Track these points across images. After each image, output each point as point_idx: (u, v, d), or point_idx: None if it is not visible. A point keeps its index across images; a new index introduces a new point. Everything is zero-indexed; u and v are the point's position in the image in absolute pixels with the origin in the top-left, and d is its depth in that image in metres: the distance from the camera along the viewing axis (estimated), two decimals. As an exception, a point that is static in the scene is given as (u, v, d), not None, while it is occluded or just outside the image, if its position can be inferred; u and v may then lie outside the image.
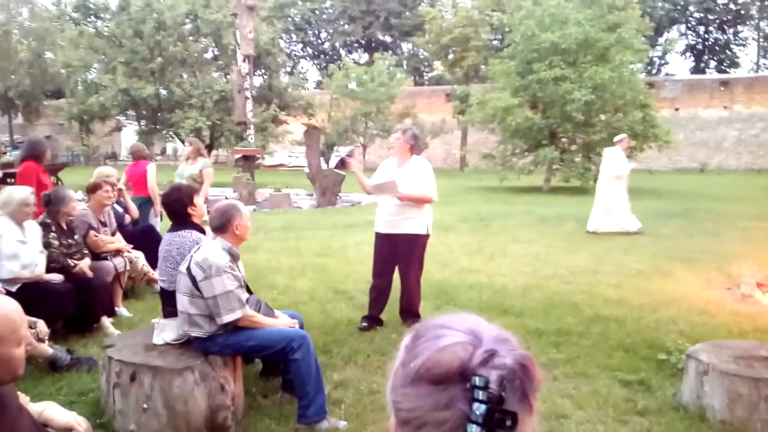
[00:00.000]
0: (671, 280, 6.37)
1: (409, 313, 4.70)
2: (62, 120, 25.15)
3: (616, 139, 10.04)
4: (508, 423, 0.63)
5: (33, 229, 4.28)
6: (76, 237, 4.77)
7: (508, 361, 0.67)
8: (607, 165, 9.75)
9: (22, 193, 4.17)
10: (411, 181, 4.49)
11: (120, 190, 6.01)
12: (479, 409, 0.63)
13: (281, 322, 3.30)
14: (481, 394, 0.64)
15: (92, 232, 4.97)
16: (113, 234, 5.29)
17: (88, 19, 23.06)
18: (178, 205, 3.65)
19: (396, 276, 4.78)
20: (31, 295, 3.82)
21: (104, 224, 5.19)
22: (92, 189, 5.11)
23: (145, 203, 6.63)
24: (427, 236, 4.65)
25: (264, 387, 3.55)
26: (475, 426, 0.63)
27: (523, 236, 9.39)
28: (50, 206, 4.61)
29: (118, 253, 5.16)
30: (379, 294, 4.73)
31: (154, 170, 6.82)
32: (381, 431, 3.01)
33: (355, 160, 4.94)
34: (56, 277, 4.23)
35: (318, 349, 3.55)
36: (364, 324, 4.64)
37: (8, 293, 3.82)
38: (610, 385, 3.59)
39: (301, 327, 3.44)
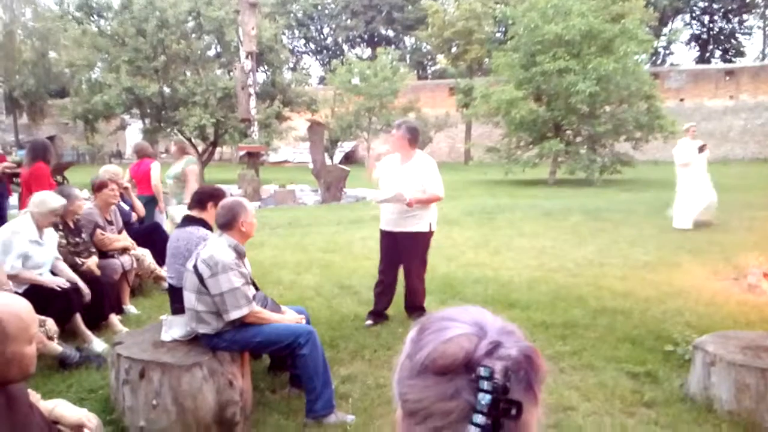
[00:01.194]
0: (678, 271, 6.35)
1: (414, 307, 4.71)
2: (67, 119, 25.17)
3: (684, 127, 9.64)
4: (513, 412, 0.64)
5: (50, 234, 4.33)
6: (83, 236, 4.80)
7: (512, 352, 0.68)
8: (675, 156, 9.31)
9: (57, 202, 4.23)
10: (416, 178, 4.43)
11: (126, 188, 6.03)
12: (484, 398, 0.64)
13: (288, 318, 3.31)
14: (486, 385, 0.64)
15: (99, 231, 4.99)
16: (119, 232, 5.32)
17: (91, 18, 23.04)
18: (204, 196, 3.73)
19: (401, 271, 4.78)
20: (37, 296, 3.85)
21: (110, 223, 5.21)
22: (98, 188, 5.13)
23: (150, 202, 6.65)
24: (430, 234, 4.61)
25: (272, 382, 3.57)
26: (480, 415, 0.64)
27: (529, 229, 9.37)
28: None
29: (125, 251, 5.19)
30: (384, 289, 4.74)
31: (158, 169, 6.82)
32: (388, 425, 3.02)
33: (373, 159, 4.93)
34: (57, 282, 4.19)
35: (325, 344, 3.56)
36: (370, 321, 4.65)
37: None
38: (616, 377, 3.59)
39: (308, 322, 3.45)
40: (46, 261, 4.19)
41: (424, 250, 4.66)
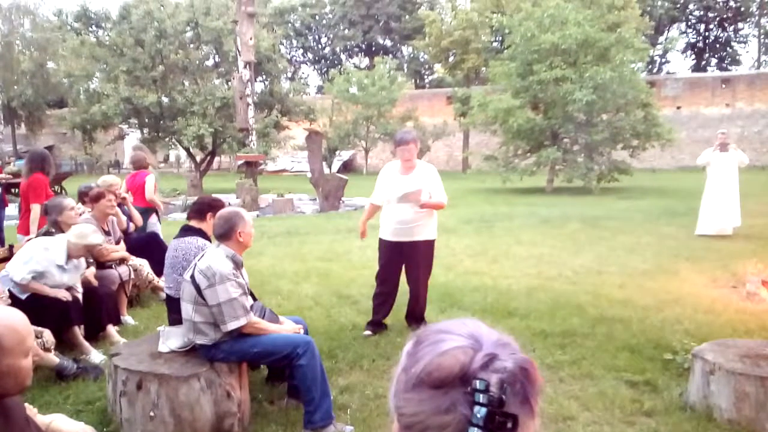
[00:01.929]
0: (676, 279, 6.36)
1: (415, 318, 4.70)
2: (65, 129, 25.27)
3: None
4: (509, 425, 0.64)
5: (78, 264, 4.33)
6: (80, 246, 4.79)
7: (508, 365, 0.68)
8: (698, 159, 9.28)
9: (96, 240, 4.25)
10: (422, 186, 4.46)
11: (124, 198, 6.03)
12: (480, 412, 0.64)
13: (286, 328, 3.30)
14: (481, 398, 0.64)
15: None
16: (117, 243, 5.31)
17: (90, 29, 23.15)
18: (203, 206, 3.82)
19: (402, 280, 4.77)
20: (37, 305, 3.84)
21: (108, 233, 5.20)
22: (96, 198, 5.12)
23: (145, 212, 6.65)
24: (434, 240, 4.67)
25: (270, 393, 3.55)
26: (476, 429, 0.63)
27: (527, 237, 9.38)
28: (49, 216, 4.64)
29: (122, 261, 5.18)
30: (383, 300, 4.73)
31: (153, 181, 6.80)
32: (387, 436, 3.00)
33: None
34: (62, 293, 4.18)
35: (323, 354, 3.55)
36: (368, 332, 4.63)
37: (16, 300, 3.85)
38: (616, 386, 3.58)
39: (306, 332, 3.44)
40: (62, 284, 4.17)
41: (432, 257, 4.69)
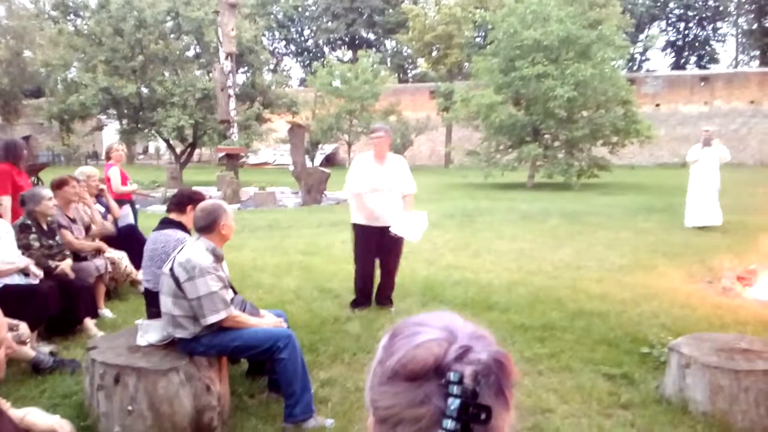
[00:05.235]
0: (653, 274, 6.45)
1: (385, 296, 5.06)
2: (42, 119, 24.77)
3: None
4: (483, 417, 0.64)
5: (4, 227, 4.23)
6: (57, 238, 4.70)
7: (482, 357, 0.68)
8: (687, 156, 9.66)
9: None
10: (396, 176, 4.85)
11: (102, 189, 5.94)
12: (453, 403, 0.64)
13: (266, 322, 3.28)
14: (455, 389, 0.64)
15: (63, 230, 4.87)
16: (87, 230, 5.21)
17: (68, 18, 22.72)
18: (184, 198, 3.81)
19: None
20: (13, 297, 3.77)
21: (74, 221, 5.09)
22: (58, 185, 4.99)
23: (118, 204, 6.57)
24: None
25: (250, 387, 3.54)
26: (450, 420, 0.63)
27: (508, 232, 9.45)
28: (26, 206, 4.55)
29: (99, 253, 5.10)
30: (363, 283, 5.14)
31: (116, 174, 6.71)
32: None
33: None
34: (33, 269, 4.12)
35: (304, 347, 3.55)
36: (350, 310, 4.97)
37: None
38: (594, 379, 3.63)
39: (287, 326, 3.43)
40: (10, 255, 4.08)
41: (402, 242, 4.96)
